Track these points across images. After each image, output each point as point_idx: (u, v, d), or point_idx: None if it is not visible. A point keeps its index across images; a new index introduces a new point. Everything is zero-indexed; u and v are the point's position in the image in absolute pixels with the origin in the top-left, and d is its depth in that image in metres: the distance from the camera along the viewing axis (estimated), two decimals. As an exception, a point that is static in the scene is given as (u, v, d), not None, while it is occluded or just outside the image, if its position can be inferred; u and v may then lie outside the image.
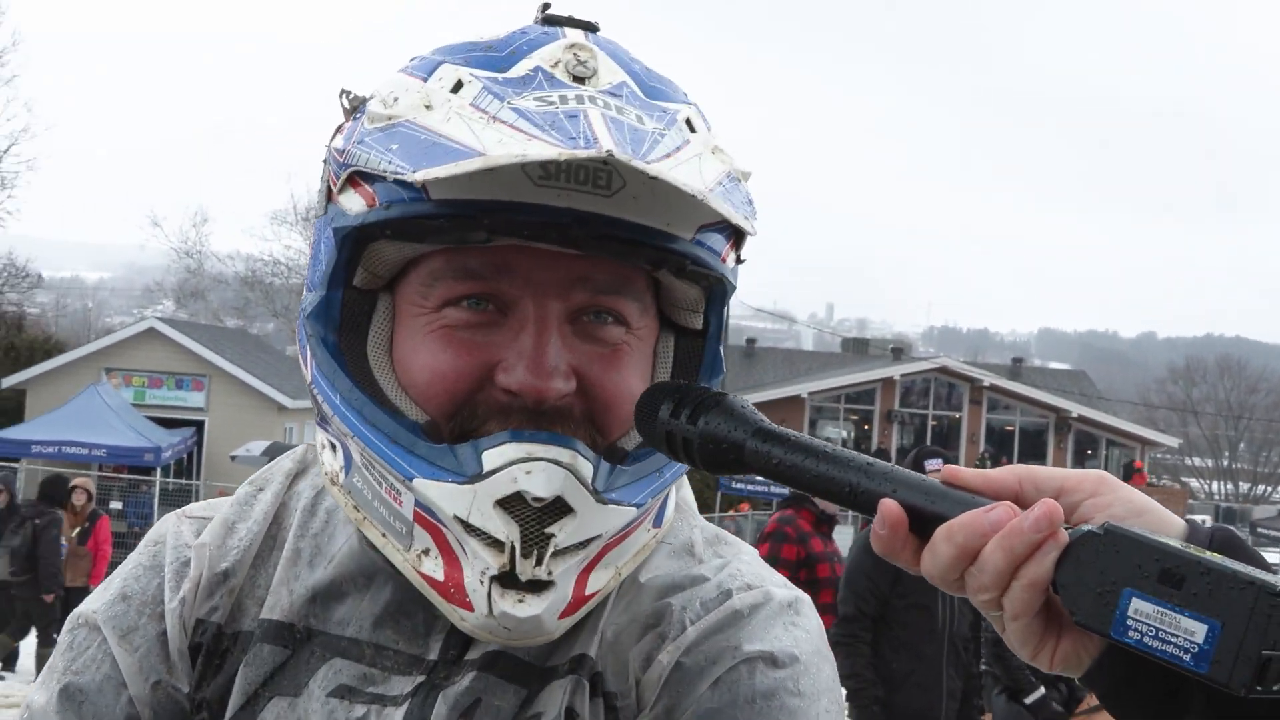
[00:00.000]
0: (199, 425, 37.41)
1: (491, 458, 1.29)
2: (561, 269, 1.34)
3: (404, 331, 1.40)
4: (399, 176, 1.25)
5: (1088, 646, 1.06)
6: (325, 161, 1.42)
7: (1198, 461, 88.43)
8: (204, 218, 71.39)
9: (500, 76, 1.32)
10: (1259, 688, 0.91)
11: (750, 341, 67.70)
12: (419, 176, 1.21)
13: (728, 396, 1.28)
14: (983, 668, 7.69)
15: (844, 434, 53.33)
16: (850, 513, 1.25)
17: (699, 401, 1.28)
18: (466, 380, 1.35)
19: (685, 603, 1.46)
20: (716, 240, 1.38)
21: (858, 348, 71.33)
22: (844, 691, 7.44)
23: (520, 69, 1.33)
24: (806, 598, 1.53)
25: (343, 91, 1.44)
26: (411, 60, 1.41)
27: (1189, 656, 0.93)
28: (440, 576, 1.33)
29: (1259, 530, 53.97)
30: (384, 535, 1.39)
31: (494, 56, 1.35)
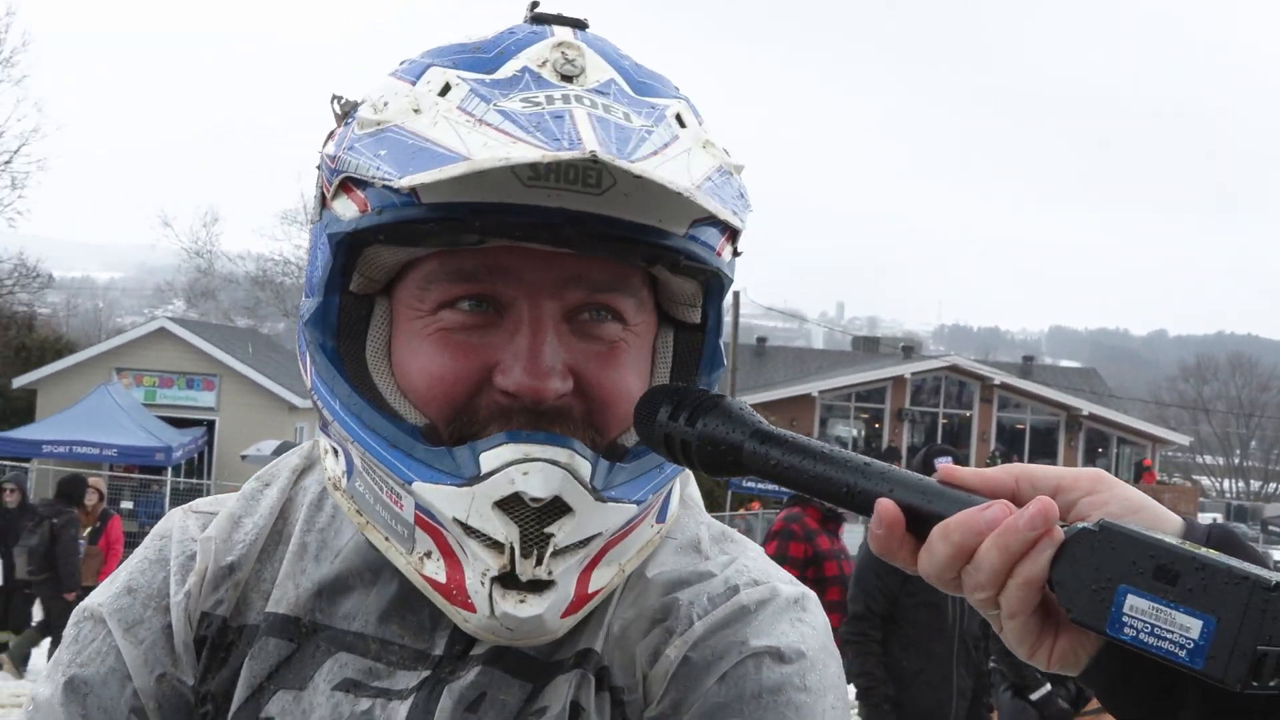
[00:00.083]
0: (210, 425, 37.51)
1: (489, 459, 1.30)
2: (555, 268, 1.34)
3: (401, 335, 1.40)
4: (386, 182, 1.25)
5: (1085, 644, 1.06)
6: (319, 168, 1.42)
7: (1209, 459, 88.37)
8: (214, 217, 71.31)
9: (488, 78, 1.32)
10: (1254, 683, 0.91)
11: (761, 340, 67.80)
12: (404, 182, 1.21)
13: (726, 398, 1.28)
14: (990, 665, 7.68)
15: (855, 432, 53.38)
16: (857, 511, 1.25)
17: (697, 404, 1.28)
18: (464, 383, 1.35)
19: (692, 598, 1.47)
20: (711, 234, 1.37)
21: (868, 346, 71.43)
22: (853, 689, 7.44)
23: (508, 70, 1.33)
24: (813, 594, 1.53)
25: (334, 97, 1.44)
26: (401, 64, 1.41)
27: (1184, 652, 0.93)
28: (442, 579, 1.34)
29: (1270, 528, 53.80)
30: (386, 539, 1.40)
31: (482, 58, 1.35)
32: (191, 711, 1.49)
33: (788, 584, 1.52)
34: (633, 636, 1.45)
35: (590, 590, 1.36)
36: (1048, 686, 7.73)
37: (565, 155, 1.16)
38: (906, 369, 53.60)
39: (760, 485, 31.85)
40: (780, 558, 8.45)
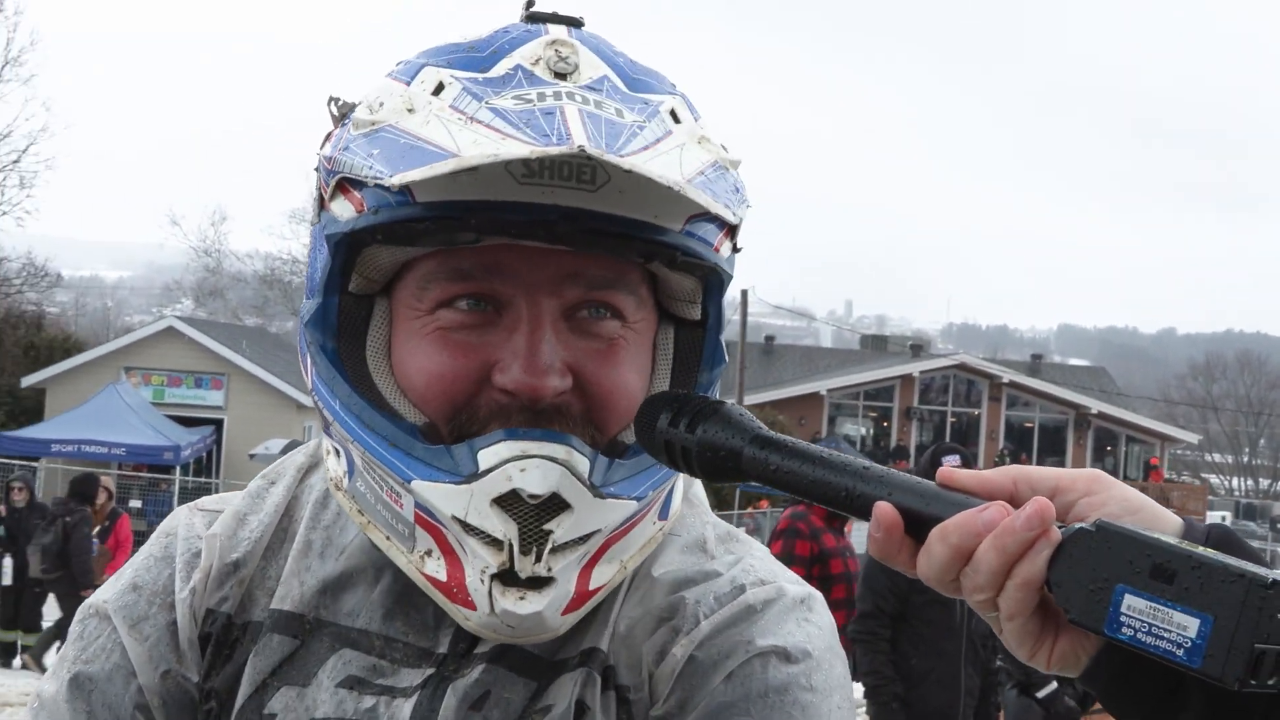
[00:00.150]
0: (218, 424, 37.59)
1: (486, 457, 1.30)
2: (552, 266, 1.34)
3: (401, 335, 1.40)
4: (378, 181, 1.25)
5: (1085, 645, 1.05)
6: (317, 170, 1.43)
7: (1218, 458, 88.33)
8: (222, 216, 71.91)
9: (481, 77, 1.33)
10: (1253, 681, 0.90)
11: (769, 339, 67.69)
12: (395, 180, 1.21)
13: (726, 404, 1.29)
14: (997, 663, 7.68)
15: (863, 431, 53.43)
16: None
17: (697, 410, 1.28)
18: (464, 382, 1.36)
19: (699, 597, 1.47)
20: (708, 230, 1.37)
21: (877, 345, 71.48)
22: (861, 688, 7.44)
23: (501, 68, 1.34)
24: (819, 595, 1.54)
25: (331, 99, 1.45)
26: (397, 65, 1.42)
27: (1182, 651, 0.93)
28: (443, 577, 1.34)
29: (1279, 526, 53.79)
30: (388, 538, 1.40)
31: (476, 57, 1.36)
32: (196, 708, 1.49)
33: (794, 584, 1.51)
34: (639, 635, 1.45)
35: (591, 587, 1.36)
36: (1054, 684, 7.73)
37: (554, 151, 1.16)
38: (915, 367, 53.59)
39: (769, 484, 31.88)
40: (786, 556, 8.46)
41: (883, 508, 1.10)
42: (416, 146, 1.26)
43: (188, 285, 62.24)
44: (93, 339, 50.56)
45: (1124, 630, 0.96)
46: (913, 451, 48.73)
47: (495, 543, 1.30)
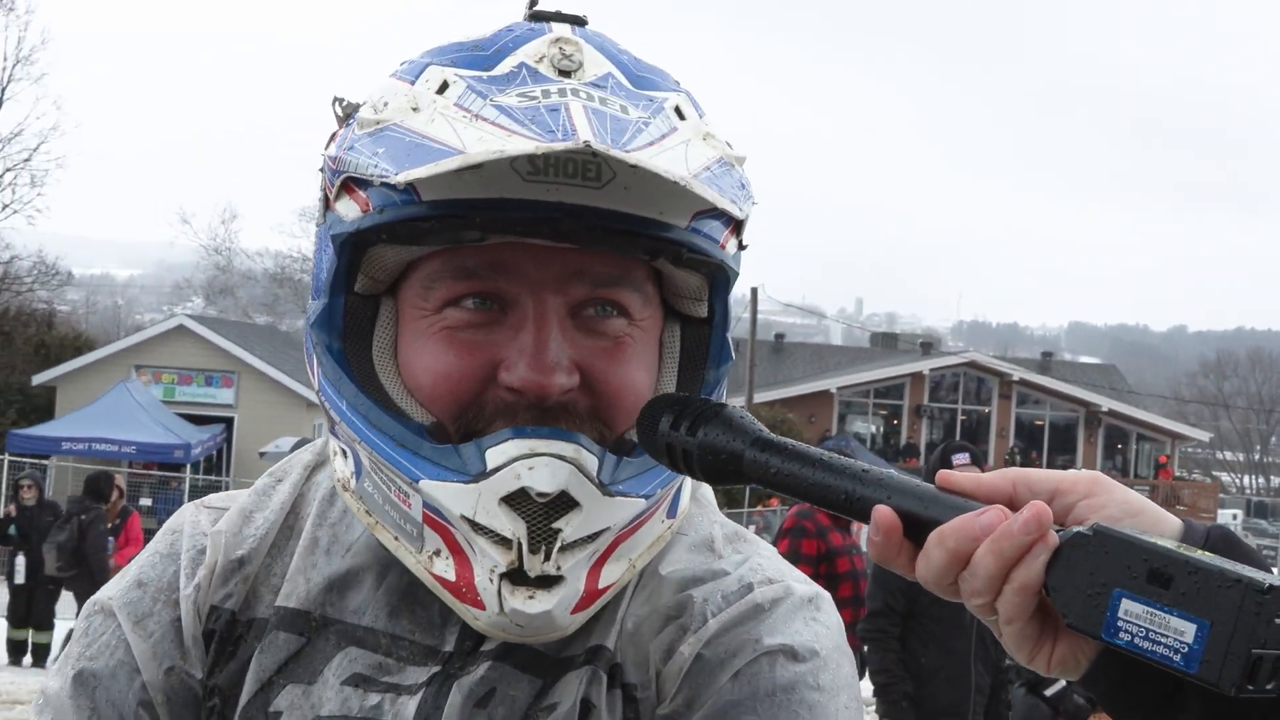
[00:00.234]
0: (228, 422, 37.69)
1: (494, 455, 1.30)
2: (558, 264, 1.34)
3: (407, 334, 1.40)
4: (384, 179, 1.25)
5: (1084, 649, 1.05)
6: (321, 170, 1.43)
7: (1229, 455, 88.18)
8: (233, 214, 71.70)
9: (485, 75, 1.33)
10: (1250, 687, 0.90)
11: (779, 337, 67.77)
12: (400, 178, 1.21)
13: (727, 407, 1.28)
14: (1007, 661, 7.67)
15: (873, 428, 53.42)
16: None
17: (698, 413, 1.28)
18: (470, 380, 1.35)
19: (706, 595, 1.46)
20: (714, 227, 1.37)
21: (887, 342, 71.35)
22: (871, 687, 7.44)
23: (505, 66, 1.34)
24: (826, 594, 1.53)
25: (335, 99, 1.45)
26: (401, 64, 1.42)
27: (1179, 657, 0.92)
28: (452, 577, 1.34)
29: (1290, 524, 53.68)
30: (396, 538, 1.40)
31: (480, 55, 1.36)
32: (199, 705, 1.49)
33: (801, 583, 1.51)
34: (646, 633, 1.44)
35: (600, 586, 1.36)
36: (1062, 682, 7.71)
37: (559, 146, 1.16)
38: (925, 365, 53.51)
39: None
40: (793, 554, 8.46)
41: (882, 511, 1.10)
42: (421, 145, 1.25)
43: (198, 283, 62.39)
44: (103, 337, 50.72)
45: (1121, 635, 0.96)
46: (923, 449, 48.70)
47: (504, 542, 1.29)
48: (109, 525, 16.38)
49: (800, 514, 8.96)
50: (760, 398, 44.15)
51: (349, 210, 1.35)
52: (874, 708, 7.61)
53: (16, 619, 16.42)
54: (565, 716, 1.38)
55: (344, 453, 1.46)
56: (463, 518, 1.30)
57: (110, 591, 1.55)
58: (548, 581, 1.31)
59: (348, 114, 1.42)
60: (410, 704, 1.39)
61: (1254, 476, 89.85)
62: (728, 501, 33.34)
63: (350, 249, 1.37)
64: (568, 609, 1.33)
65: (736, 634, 1.43)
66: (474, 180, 1.25)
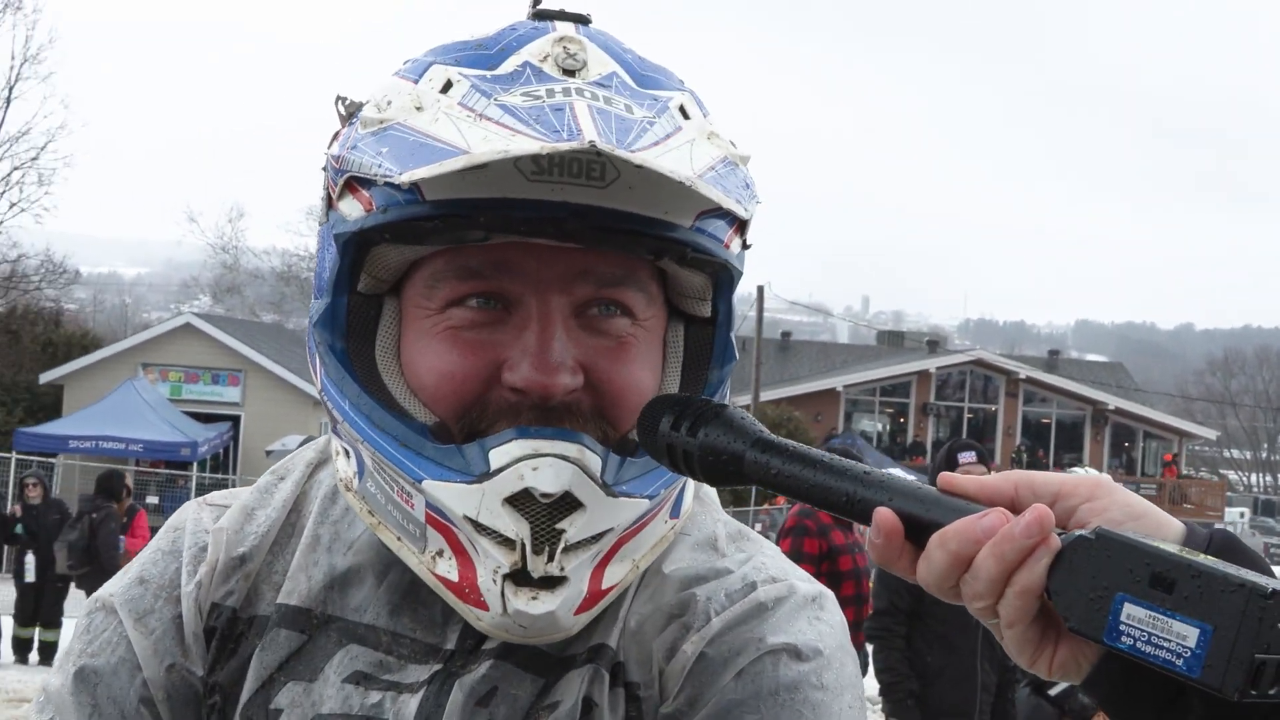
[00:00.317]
0: (235, 420, 37.71)
1: (498, 456, 1.29)
2: (562, 263, 1.33)
3: (410, 334, 1.40)
4: (387, 179, 1.25)
5: (1086, 653, 1.04)
6: (324, 169, 1.42)
7: (1236, 454, 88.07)
8: (240, 213, 72.07)
9: (489, 74, 1.32)
10: (1253, 692, 0.89)
11: (785, 335, 67.70)
12: (405, 178, 1.21)
13: (728, 408, 1.28)
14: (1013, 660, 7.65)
15: (879, 427, 53.38)
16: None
17: (699, 414, 1.27)
18: (474, 380, 1.35)
19: (710, 594, 1.46)
20: (718, 226, 1.37)
21: (893, 340, 71.27)
22: (878, 685, 7.43)
23: (509, 65, 1.33)
24: (830, 593, 1.53)
25: (338, 98, 1.45)
26: (405, 63, 1.42)
27: (1181, 661, 0.92)
28: (455, 577, 1.33)
29: (1298, 522, 53.59)
30: (399, 539, 1.40)
31: (484, 54, 1.35)
32: (200, 702, 1.49)
33: (805, 582, 1.51)
34: (649, 632, 1.44)
35: (604, 587, 1.36)
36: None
37: (564, 146, 1.15)
38: (931, 363, 53.45)
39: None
40: (795, 553, 8.43)
41: (883, 513, 1.09)
42: (425, 144, 1.25)
43: (205, 282, 62.44)
44: (110, 335, 50.78)
45: (1123, 639, 0.95)
46: (929, 447, 48.65)
47: (507, 542, 1.29)
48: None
49: (802, 513, 8.93)
50: (766, 396, 44.13)
51: (352, 209, 1.35)
52: (880, 706, 7.60)
53: (24, 617, 16.46)
54: (567, 715, 1.37)
55: (347, 452, 1.46)
56: (466, 518, 1.30)
57: (112, 588, 1.55)
58: (551, 582, 1.31)
59: (351, 113, 1.42)
60: (411, 702, 1.39)
61: (1261, 475, 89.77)
62: (734, 500, 33.34)
63: (353, 248, 1.36)
64: (571, 610, 1.32)
65: (740, 633, 1.42)
66: (478, 180, 1.25)
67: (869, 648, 8.12)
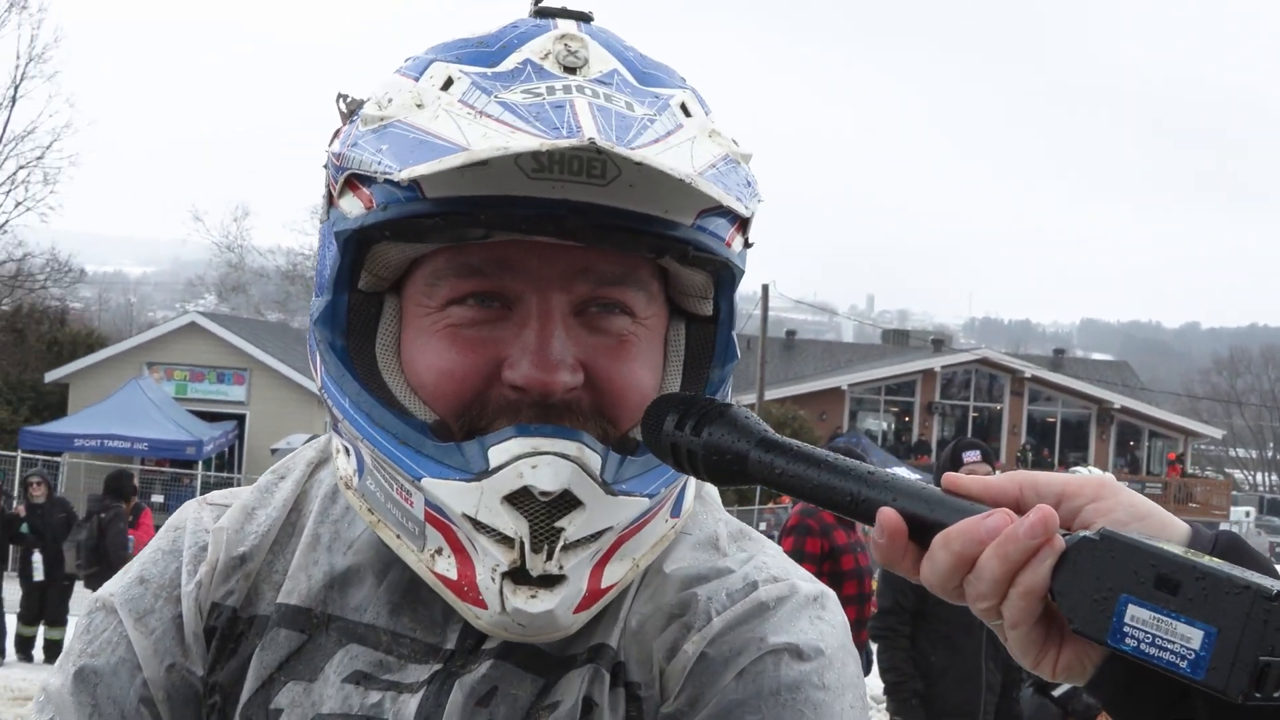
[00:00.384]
0: (240, 419, 37.72)
1: (497, 454, 1.29)
2: (563, 261, 1.33)
3: (411, 332, 1.40)
4: (387, 176, 1.24)
5: (1090, 654, 1.03)
6: (325, 167, 1.42)
7: (1241, 453, 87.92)
8: (245, 212, 72.01)
9: (490, 71, 1.32)
10: (1257, 694, 0.89)
11: (790, 333, 67.71)
12: (404, 175, 1.21)
13: (732, 407, 1.28)
14: (1018, 660, 7.65)
15: (884, 425, 53.32)
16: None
17: (703, 413, 1.27)
18: (473, 378, 1.35)
19: (711, 593, 1.45)
20: (719, 224, 1.36)
21: (898, 339, 71.18)
22: (882, 685, 7.43)
23: (510, 62, 1.33)
24: (832, 593, 1.52)
25: (339, 95, 1.44)
26: (406, 61, 1.41)
27: (1186, 663, 0.91)
28: (454, 575, 1.33)
29: (1304, 521, 53.52)
30: (398, 537, 1.39)
31: (485, 52, 1.35)
32: (200, 702, 1.48)
33: (807, 581, 1.50)
34: (650, 632, 1.44)
35: (603, 585, 1.35)
36: (1070, 682, 7.67)
37: (564, 143, 1.15)
38: (936, 362, 53.39)
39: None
40: (797, 552, 8.42)
41: (886, 513, 1.09)
42: (425, 141, 1.24)
43: (210, 281, 62.39)
44: (116, 334, 50.85)
45: (1127, 641, 0.95)
46: (934, 446, 48.59)
47: (506, 540, 1.29)
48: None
49: (804, 512, 8.93)
50: (771, 395, 44.12)
51: (352, 207, 1.34)
52: (885, 706, 7.59)
53: (29, 615, 16.49)
54: (567, 715, 1.37)
55: (347, 450, 1.46)
56: (465, 516, 1.29)
57: (112, 588, 1.55)
58: (550, 581, 1.30)
59: (352, 110, 1.41)
60: (411, 702, 1.39)
61: (1267, 474, 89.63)
62: (739, 499, 33.32)
63: (354, 246, 1.36)
64: (570, 608, 1.32)
65: (741, 632, 1.42)
66: (478, 177, 1.25)
67: (873, 647, 8.12)
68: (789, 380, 52.99)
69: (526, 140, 1.18)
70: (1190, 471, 55.91)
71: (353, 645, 1.44)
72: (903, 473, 1.16)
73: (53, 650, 16.13)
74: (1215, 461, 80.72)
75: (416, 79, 1.35)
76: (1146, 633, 0.94)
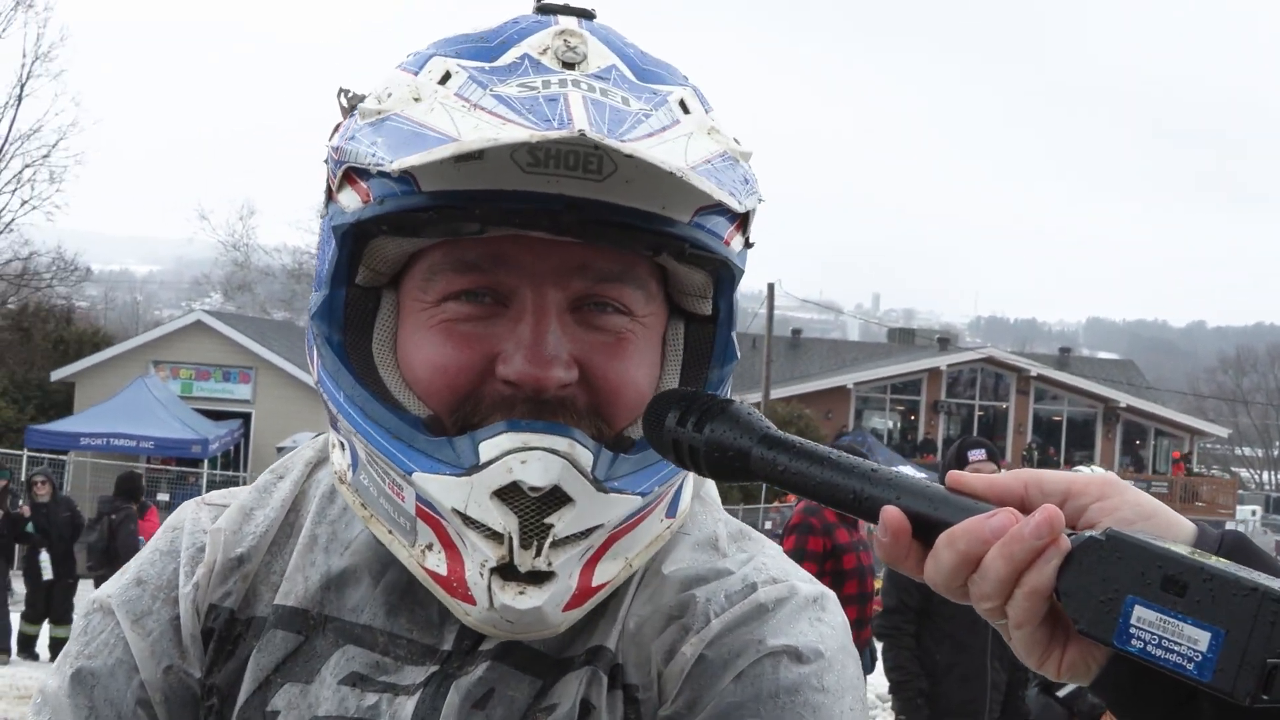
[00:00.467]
0: (246, 417, 37.75)
1: (487, 449, 1.28)
2: (559, 257, 1.32)
3: (407, 327, 1.39)
4: (380, 168, 1.24)
5: (1095, 654, 1.03)
6: (325, 161, 1.42)
7: (1248, 451, 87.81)
8: (251, 210, 71.94)
9: (488, 66, 1.32)
10: (1265, 697, 0.89)
11: (796, 332, 67.67)
12: (395, 166, 1.20)
13: (734, 403, 1.27)
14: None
15: (890, 424, 53.29)
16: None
17: (705, 409, 1.26)
18: (468, 373, 1.34)
19: (709, 595, 1.44)
20: (718, 223, 1.35)
21: (904, 338, 71.09)
22: (888, 684, 7.42)
23: (508, 57, 1.33)
24: (832, 594, 1.51)
25: (340, 90, 1.44)
26: (408, 55, 1.41)
27: (1192, 665, 0.91)
28: (444, 571, 1.32)
29: (1311, 521, 53.44)
30: (390, 532, 1.38)
31: (485, 47, 1.35)
32: (198, 704, 1.48)
33: (807, 582, 1.49)
34: (648, 634, 1.43)
35: (594, 584, 1.34)
36: (1075, 683, 7.66)
37: (553, 134, 1.14)
38: (942, 361, 53.30)
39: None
40: (799, 551, 8.42)
41: (890, 512, 1.08)
42: (419, 133, 1.24)
43: (216, 279, 62.54)
44: (121, 333, 50.87)
45: (1134, 642, 0.94)
46: (940, 445, 48.58)
47: (495, 536, 1.28)
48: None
49: (807, 510, 8.91)
50: (777, 393, 44.07)
51: (350, 201, 1.34)
52: (890, 704, 7.59)
53: (34, 614, 16.51)
54: (565, 718, 1.36)
55: (342, 445, 1.45)
56: (454, 511, 1.29)
57: (109, 589, 1.54)
58: (538, 577, 1.29)
59: (352, 105, 1.41)
60: (408, 704, 1.38)
61: (1273, 472, 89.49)
62: (745, 498, 33.31)
63: (351, 240, 1.36)
64: (559, 606, 1.31)
65: (739, 634, 1.41)
66: (474, 171, 1.24)
67: (879, 646, 8.12)
68: (794, 379, 52.93)
69: (517, 132, 1.17)
70: (1196, 470, 55.86)
71: (349, 647, 1.43)
72: (908, 471, 1.15)
73: (59, 648, 16.14)
74: (1221, 460, 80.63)
75: (416, 73, 1.34)
76: (1153, 634, 0.93)
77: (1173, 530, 1.03)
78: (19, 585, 16.92)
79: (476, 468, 1.28)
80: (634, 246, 1.33)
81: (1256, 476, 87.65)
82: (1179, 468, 51.96)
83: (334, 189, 1.38)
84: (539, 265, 1.32)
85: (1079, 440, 53.41)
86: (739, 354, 1.49)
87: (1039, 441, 51.69)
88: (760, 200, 1.37)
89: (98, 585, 15.65)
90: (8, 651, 16.12)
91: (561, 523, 1.29)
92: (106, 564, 15.64)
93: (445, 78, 1.31)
